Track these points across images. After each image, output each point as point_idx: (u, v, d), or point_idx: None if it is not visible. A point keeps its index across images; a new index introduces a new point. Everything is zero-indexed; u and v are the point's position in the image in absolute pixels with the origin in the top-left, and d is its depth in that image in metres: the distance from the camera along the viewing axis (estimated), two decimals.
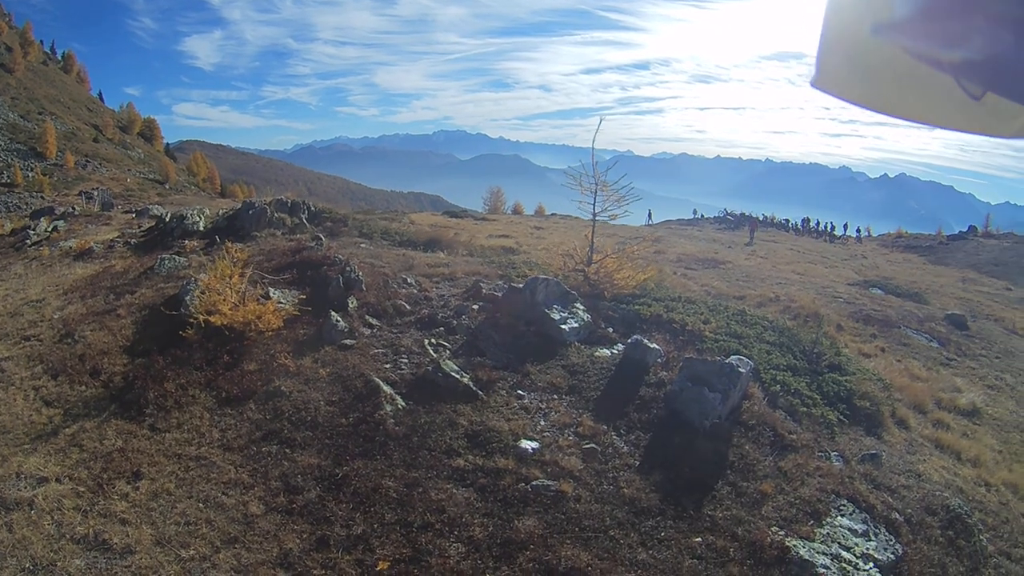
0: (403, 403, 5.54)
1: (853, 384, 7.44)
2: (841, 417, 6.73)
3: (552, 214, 29.75)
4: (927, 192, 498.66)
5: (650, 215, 34.02)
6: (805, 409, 6.56)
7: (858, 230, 36.15)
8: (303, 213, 11.88)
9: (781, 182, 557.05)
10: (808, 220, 35.82)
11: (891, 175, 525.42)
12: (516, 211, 32.17)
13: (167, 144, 44.75)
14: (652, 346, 6.50)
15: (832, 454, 6.06)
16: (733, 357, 6.41)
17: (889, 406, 7.48)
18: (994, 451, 7.40)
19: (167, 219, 12.26)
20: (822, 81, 0.62)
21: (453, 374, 5.80)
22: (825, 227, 34.63)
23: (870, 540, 4.97)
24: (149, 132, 41.24)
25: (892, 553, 4.88)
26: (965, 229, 39.98)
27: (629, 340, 6.63)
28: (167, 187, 29.17)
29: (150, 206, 16.79)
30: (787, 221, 36.54)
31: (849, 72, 0.60)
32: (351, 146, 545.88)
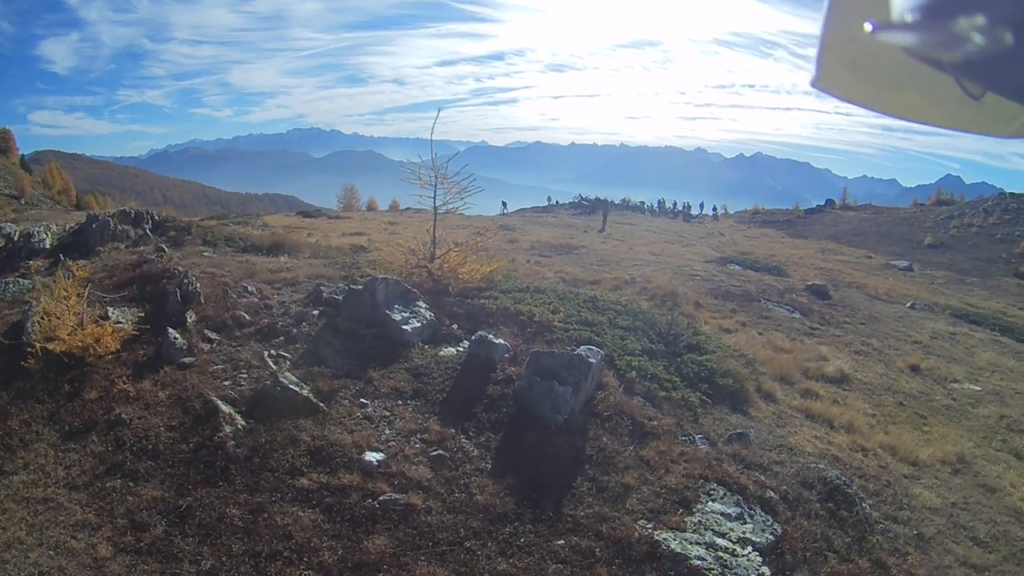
0: (243, 422, 8.80)
1: (714, 362, 12.09)
2: (704, 398, 11.02)
3: (407, 208, 50.73)
4: (784, 169, 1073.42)
5: (504, 205, 64.50)
6: (664, 393, 10.70)
7: (714, 208, 71.47)
8: (147, 224, 19.87)
9: (636, 166, 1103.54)
10: (663, 201, 69.37)
11: (747, 155, 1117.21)
12: (371, 207, 57.93)
13: (22, 156, 76.39)
14: (498, 341, 10.74)
15: (697, 437, 9.77)
16: (583, 347, 10.29)
17: (754, 381, 12.44)
18: (867, 415, 13.17)
19: (15, 238, 19.47)
20: (822, 81, 1.28)
21: (292, 387, 9.29)
22: (682, 207, 67.34)
23: (746, 523, 8.13)
24: (4, 144, 70.80)
25: (771, 534, 8.11)
26: (823, 203, 75.54)
27: (473, 337, 10.93)
28: (23, 202, 50.85)
29: (3, 224, 23.63)
30: (643, 203, 69.24)
31: (849, 72, 1.25)
32: (206, 149, 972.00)
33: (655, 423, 9.59)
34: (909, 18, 0.94)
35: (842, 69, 1.28)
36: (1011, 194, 74.64)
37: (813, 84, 1.32)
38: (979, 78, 1.00)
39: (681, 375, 11.47)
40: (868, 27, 1.04)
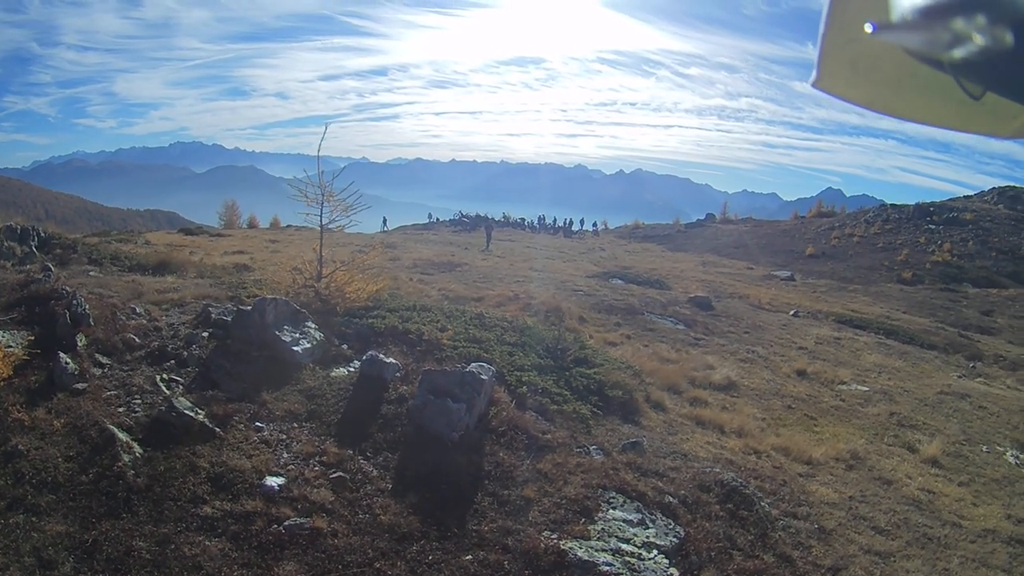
0: (140, 450, 9.00)
1: (602, 375, 13.03)
2: (595, 409, 11.88)
3: (288, 226, 54.79)
4: (664, 185, 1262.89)
5: (385, 222, 68.23)
6: (556, 407, 11.51)
7: (595, 224, 79.33)
8: (33, 240, 20.63)
9: (517, 182, 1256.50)
10: (544, 217, 76.67)
11: (627, 171, 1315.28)
12: (251, 225, 61.17)
13: None
14: (389, 361, 11.50)
15: (591, 448, 10.48)
16: (474, 364, 10.96)
17: (643, 392, 13.47)
18: (757, 419, 14.33)
19: None
20: (822, 82, 1.41)
21: (187, 412, 9.60)
22: (563, 223, 74.20)
23: (648, 528, 8.77)
24: None
25: (674, 537, 8.77)
26: (703, 217, 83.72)
27: (364, 356, 11.65)
28: None
29: None
30: (523, 220, 75.88)
31: (849, 72, 1.37)
32: (88, 161, 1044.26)
33: (549, 436, 10.25)
34: (909, 18, 1.04)
35: (842, 69, 1.39)
36: (892, 205, 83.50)
37: (813, 84, 1.44)
38: (979, 78, 1.09)
39: (571, 388, 12.27)
40: (868, 27, 1.15)
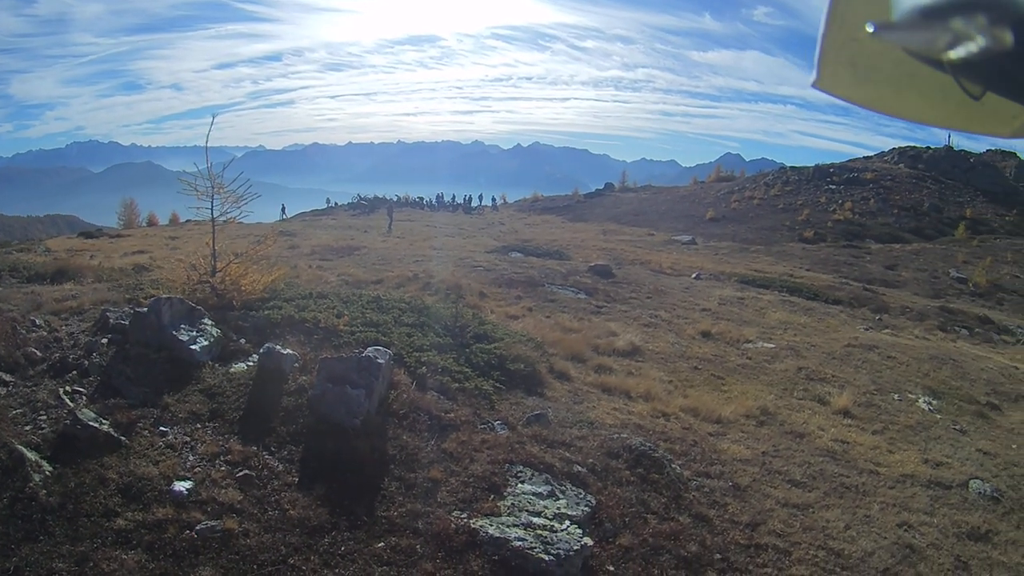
0: (50, 468, 8.77)
1: (503, 349, 13.22)
2: (497, 385, 12.05)
3: (187, 221, 54.86)
4: (562, 157, 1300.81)
5: (284, 210, 71.28)
6: (458, 385, 11.63)
7: (494, 199, 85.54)
8: None
9: (415, 161, 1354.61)
10: (442, 195, 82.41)
11: (525, 144, 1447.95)
12: (151, 223, 63.13)
13: None
14: (286, 352, 11.54)
15: (495, 423, 10.62)
16: (370, 348, 10.98)
17: (545, 363, 13.67)
18: (664, 383, 14.65)
19: None
20: (822, 82, 1.44)
21: (92, 423, 9.42)
22: (462, 200, 79.23)
23: (559, 499, 8.90)
24: None
25: (586, 506, 8.92)
26: (602, 187, 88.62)
27: (262, 349, 11.67)
28: None
29: None
30: (421, 199, 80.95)
31: (849, 72, 1.40)
32: None
33: (452, 415, 10.38)
34: (909, 18, 1.06)
35: (842, 69, 1.43)
36: (792, 167, 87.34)
37: (813, 85, 1.47)
38: (979, 78, 1.13)
39: (472, 365, 12.41)
40: (868, 27, 1.16)
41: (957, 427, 15.26)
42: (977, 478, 12.51)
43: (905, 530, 10.33)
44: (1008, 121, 1.38)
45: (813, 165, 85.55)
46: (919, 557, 9.72)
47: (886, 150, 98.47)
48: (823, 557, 9.14)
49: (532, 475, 9.26)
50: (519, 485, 8.98)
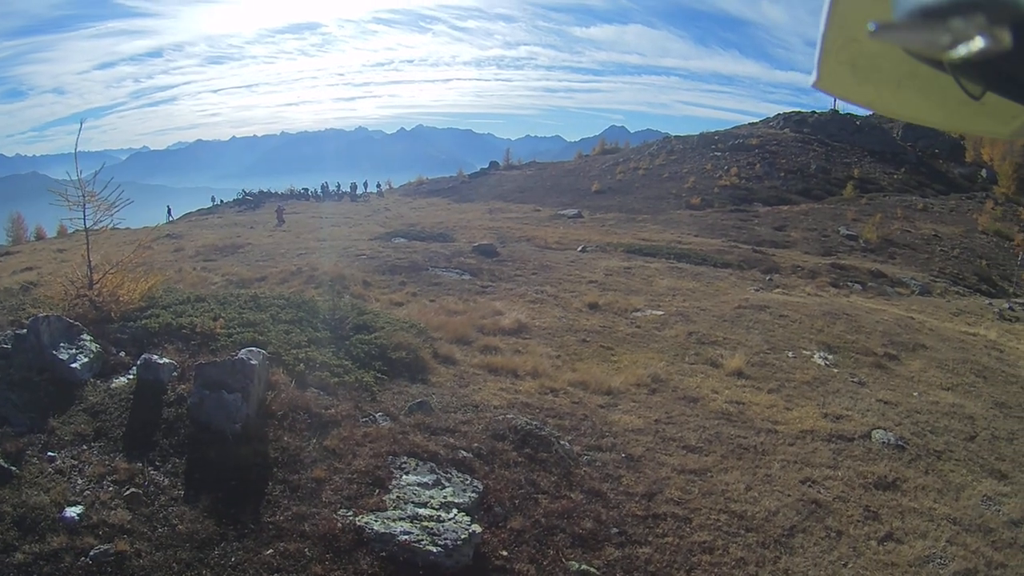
0: None
1: (384, 338, 13.17)
2: (379, 375, 11.98)
3: (75, 231, 54.00)
4: (446, 138, 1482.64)
5: (169, 211, 68.27)
6: (337, 379, 11.54)
7: (379, 185, 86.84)
8: None
9: (299, 152, 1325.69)
10: (327, 185, 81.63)
11: (408, 128, 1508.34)
12: (39, 237, 62.27)
13: None
14: (163, 361, 11.38)
15: (377, 415, 10.53)
16: (243, 351, 10.77)
17: (429, 348, 13.63)
18: (551, 358, 14.75)
19: None
20: (822, 82, 1.45)
21: None
22: (348, 189, 79.93)
23: (444, 488, 8.83)
24: None
25: (473, 492, 8.87)
26: (487, 166, 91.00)
27: (139, 361, 11.42)
28: None
29: None
30: (306, 190, 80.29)
31: (849, 72, 1.41)
32: None
33: (333, 411, 10.27)
34: (909, 18, 1.03)
35: (842, 69, 1.42)
36: (676, 136, 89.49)
37: (814, 85, 1.47)
38: (979, 78, 1.11)
39: (352, 357, 12.35)
40: (869, 27, 1.12)
41: (855, 379, 15.73)
42: (880, 428, 12.91)
43: (809, 486, 10.55)
44: (1008, 121, 1.39)
45: (698, 133, 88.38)
46: (826, 511, 9.93)
47: (771, 116, 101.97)
48: (725, 521, 9.26)
49: (416, 465, 9.21)
50: (404, 477, 8.93)
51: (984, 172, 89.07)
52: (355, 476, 8.80)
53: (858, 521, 9.81)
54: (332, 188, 79.58)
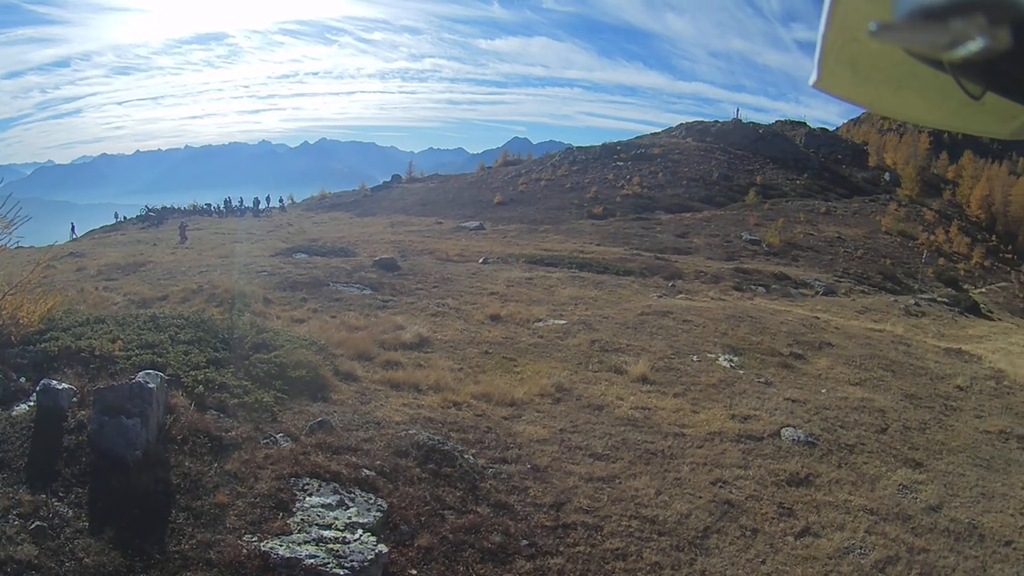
0: None
1: (284, 356, 13.03)
2: (279, 395, 11.86)
3: None
4: (350, 152, 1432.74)
5: (73, 228, 70.38)
6: (237, 400, 11.34)
7: (281, 200, 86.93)
8: None
9: (202, 167, 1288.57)
10: (230, 200, 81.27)
11: (312, 142, 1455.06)
12: None
13: None
14: (62, 387, 10.64)
15: (278, 436, 10.38)
16: (141, 373, 10.40)
17: (330, 365, 13.50)
18: (454, 371, 14.75)
19: None
20: (822, 82, 1.46)
21: None
22: (251, 204, 79.42)
23: (348, 508, 8.74)
24: None
25: (377, 511, 8.80)
26: (389, 179, 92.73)
27: (38, 387, 10.69)
28: None
29: None
30: (210, 205, 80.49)
31: (849, 72, 1.41)
32: None
33: (233, 433, 10.08)
34: (909, 18, 1.03)
35: (842, 69, 1.43)
36: (578, 147, 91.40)
37: (813, 84, 1.48)
38: (979, 78, 1.14)
39: (251, 378, 12.17)
40: (869, 27, 1.12)
41: (762, 380, 16.10)
42: (789, 426, 13.23)
43: (720, 487, 10.70)
44: (1008, 121, 1.42)
45: (601, 144, 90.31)
46: (739, 511, 10.08)
47: (674, 126, 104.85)
48: (637, 526, 9.32)
49: (319, 486, 9.11)
50: (307, 499, 8.83)
51: (887, 176, 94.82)
52: (258, 500, 8.63)
53: (773, 518, 9.99)
54: (235, 203, 79.46)
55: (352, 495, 9.04)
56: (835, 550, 9.45)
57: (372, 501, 9.01)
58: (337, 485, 9.17)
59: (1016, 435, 14.85)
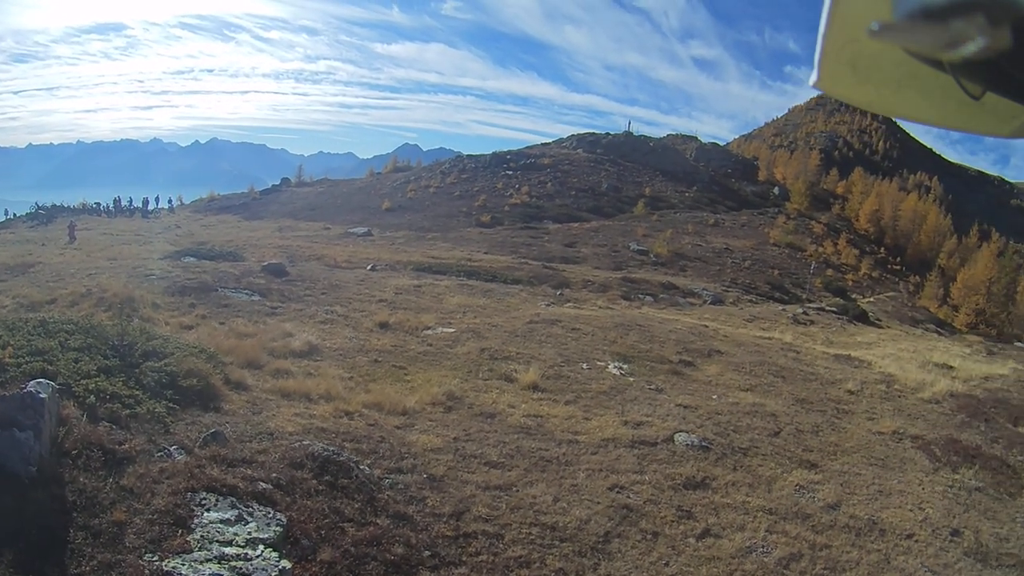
0: None
1: (174, 365, 12.72)
2: (171, 405, 11.53)
3: None
4: (240, 153, 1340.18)
5: None
6: (129, 411, 10.93)
7: (170, 201, 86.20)
8: None
9: (94, 164, 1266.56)
10: (120, 200, 78.72)
11: (203, 141, 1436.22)
12: None
13: None
14: None
15: (172, 449, 10.06)
16: (32, 383, 9.76)
17: (220, 374, 13.24)
18: (344, 380, 14.69)
19: None
20: (822, 82, 1.44)
21: None
22: (140, 204, 78.21)
23: (248, 523, 8.56)
24: None
25: (277, 525, 8.63)
26: (278, 183, 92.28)
27: None
28: None
29: None
30: (99, 205, 77.59)
31: (849, 72, 1.40)
32: None
33: (127, 446, 9.66)
34: (909, 18, 1.05)
35: (842, 69, 1.43)
36: (468, 155, 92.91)
37: (813, 84, 1.48)
38: (979, 78, 1.16)
39: (143, 387, 11.82)
40: (869, 27, 1.13)
41: (653, 387, 16.51)
42: (682, 431, 13.59)
43: (618, 492, 10.89)
44: (1008, 121, 1.43)
45: (491, 153, 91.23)
46: (639, 515, 10.28)
47: (565, 137, 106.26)
48: (537, 533, 9.42)
49: (217, 501, 8.85)
50: (205, 514, 8.55)
51: (776, 190, 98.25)
52: (156, 516, 8.31)
53: (672, 521, 10.23)
54: (124, 203, 77.64)
55: (250, 509, 8.84)
56: (737, 550, 9.75)
57: (271, 515, 8.82)
58: (234, 499, 8.93)
59: (910, 435, 15.66)
